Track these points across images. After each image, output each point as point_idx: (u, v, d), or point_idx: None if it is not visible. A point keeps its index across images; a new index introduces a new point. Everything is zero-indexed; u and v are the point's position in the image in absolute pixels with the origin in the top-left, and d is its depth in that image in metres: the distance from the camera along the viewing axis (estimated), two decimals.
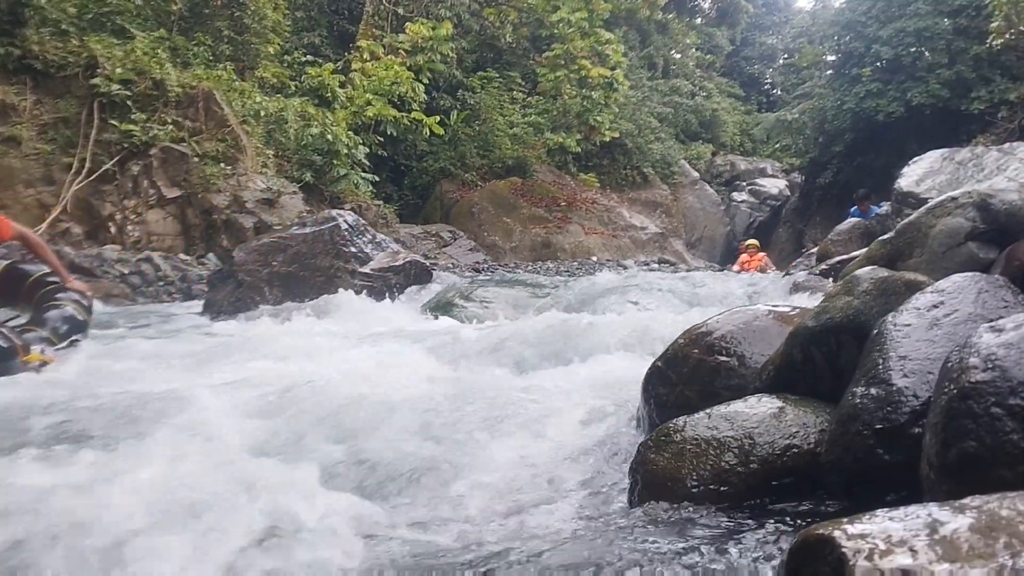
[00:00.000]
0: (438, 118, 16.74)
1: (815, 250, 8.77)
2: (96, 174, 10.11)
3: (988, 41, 14.02)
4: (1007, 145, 9.08)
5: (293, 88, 14.79)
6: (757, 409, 2.04)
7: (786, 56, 28.72)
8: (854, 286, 2.28)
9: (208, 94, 11.30)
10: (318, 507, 1.96)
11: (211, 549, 1.72)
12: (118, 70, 10.46)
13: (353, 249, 7.44)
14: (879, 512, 1.15)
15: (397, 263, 7.60)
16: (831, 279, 5.77)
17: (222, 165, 10.87)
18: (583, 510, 2.03)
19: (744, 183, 25.31)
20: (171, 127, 10.67)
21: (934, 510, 1.12)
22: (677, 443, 2.01)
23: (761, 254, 13.78)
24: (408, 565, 1.68)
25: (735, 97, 31.37)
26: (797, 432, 1.95)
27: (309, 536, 1.79)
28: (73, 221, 9.90)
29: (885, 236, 3.51)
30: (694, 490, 1.91)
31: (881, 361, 1.80)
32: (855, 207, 10.57)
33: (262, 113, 12.48)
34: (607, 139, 19.93)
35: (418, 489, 2.29)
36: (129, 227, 10.15)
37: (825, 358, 2.16)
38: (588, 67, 19.48)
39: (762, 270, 12.43)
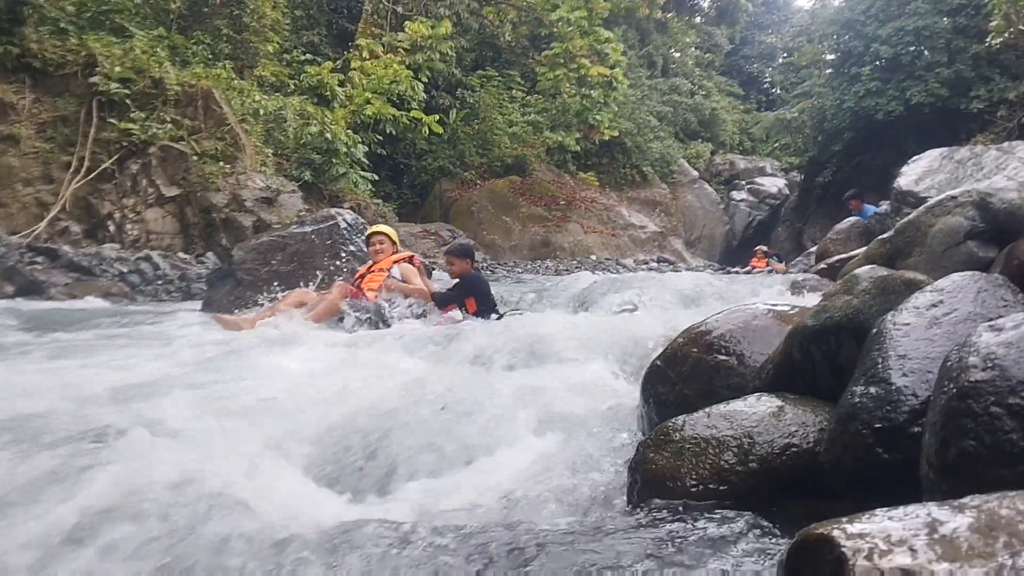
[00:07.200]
0: (437, 117, 16.71)
1: (814, 249, 8.77)
2: (95, 173, 10.09)
3: (987, 40, 14.02)
4: (1006, 144, 9.07)
5: (292, 87, 14.76)
6: (756, 408, 2.04)
7: (785, 55, 28.65)
8: (853, 285, 2.27)
9: (207, 93, 11.27)
10: (306, 499, 1.95)
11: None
12: (117, 69, 10.44)
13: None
14: (878, 511, 1.15)
15: None
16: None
17: (221, 164, 10.85)
18: (582, 509, 2.03)
19: (743, 182, 25.30)
20: (170, 126, 10.65)
21: (933, 509, 1.12)
22: (676, 442, 2.01)
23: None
24: (403, 564, 1.67)
25: (734, 96, 31.36)
26: (796, 431, 1.95)
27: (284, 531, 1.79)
28: (72, 220, 9.88)
29: (884, 235, 3.51)
30: (693, 489, 1.91)
31: (880, 360, 1.80)
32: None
33: (261, 112, 12.46)
34: (606, 138, 19.89)
35: (408, 488, 2.28)
36: (128, 226, 10.13)
37: (824, 357, 2.16)
38: (587, 66, 19.43)
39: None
